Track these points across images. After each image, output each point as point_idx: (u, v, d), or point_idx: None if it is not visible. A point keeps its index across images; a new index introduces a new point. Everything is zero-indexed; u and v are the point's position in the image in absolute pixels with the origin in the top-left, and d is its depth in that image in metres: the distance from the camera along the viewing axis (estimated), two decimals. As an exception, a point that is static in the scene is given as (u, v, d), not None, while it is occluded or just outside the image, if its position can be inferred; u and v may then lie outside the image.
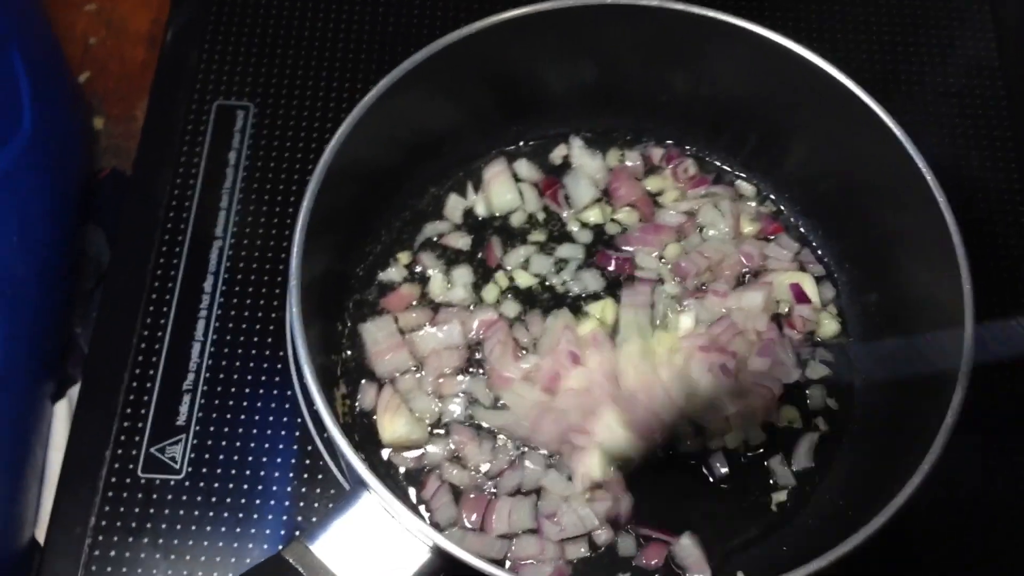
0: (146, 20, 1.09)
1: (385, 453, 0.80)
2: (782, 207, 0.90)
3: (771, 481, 0.80)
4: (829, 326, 0.85)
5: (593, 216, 0.89)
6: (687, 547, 0.77)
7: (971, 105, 0.97)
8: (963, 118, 0.96)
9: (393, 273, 0.86)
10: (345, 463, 0.66)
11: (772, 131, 0.86)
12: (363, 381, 0.82)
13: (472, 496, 0.78)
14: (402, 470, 0.79)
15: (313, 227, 0.71)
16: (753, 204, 0.90)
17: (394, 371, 0.81)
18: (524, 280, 0.86)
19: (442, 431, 0.80)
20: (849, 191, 0.84)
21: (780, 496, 0.80)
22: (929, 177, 0.74)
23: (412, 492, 0.78)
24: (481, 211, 0.89)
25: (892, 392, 0.80)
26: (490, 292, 0.85)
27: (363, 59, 0.98)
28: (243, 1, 1.00)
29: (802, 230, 0.89)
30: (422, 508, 0.78)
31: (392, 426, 0.79)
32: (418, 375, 0.82)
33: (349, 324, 0.84)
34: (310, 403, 0.83)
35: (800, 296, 0.85)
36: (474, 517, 0.77)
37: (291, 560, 0.63)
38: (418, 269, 0.86)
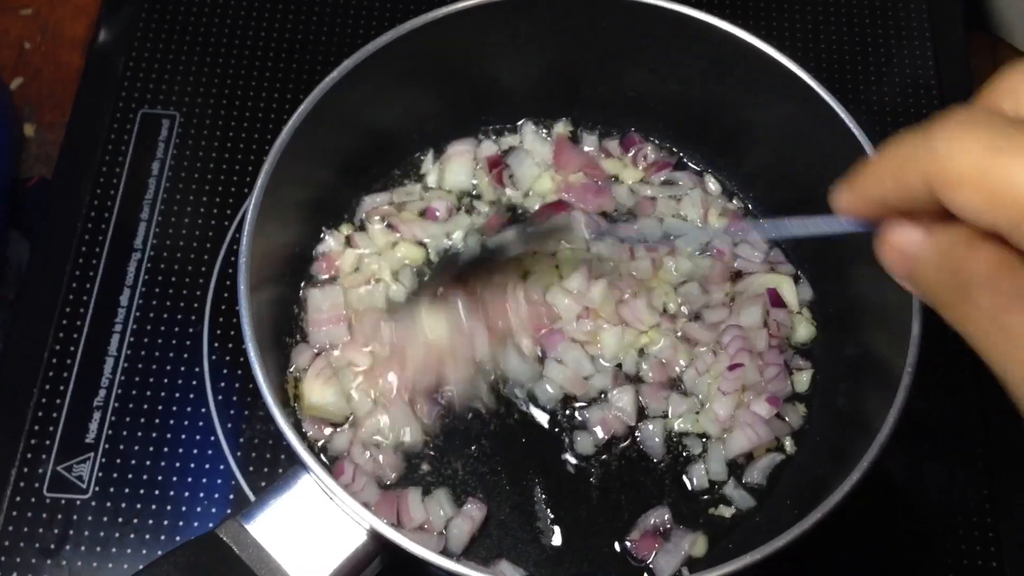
0: (83, 26, 1.07)
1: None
2: (749, 205, 0.90)
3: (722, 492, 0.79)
4: (805, 330, 0.84)
5: (541, 186, 0.88)
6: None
7: (906, 124, 0.96)
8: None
9: (330, 243, 0.85)
10: (285, 443, 0.66)
11: (735, 129, 0.86)
12: (301, 343, 0.81)
13: (383, 494, 0.76)
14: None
15: (266, 205, 0.71)
16: (720, 201, 0.89)
17: (328, 342, 0.80)
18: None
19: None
20: (808, 192, 0.81)
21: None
22: None
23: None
24: (432, 182, 0.88)
25: (846, 396, 0.79)
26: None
27: (294, 69, 0.96)
28: (172, 9, 0.98)
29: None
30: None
31: (322, 392, 0.78)
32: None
33: (305, 304, 0.83)
34: (224, 421, 0.82)
35: (776, 300, 0.84)
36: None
37: (225, 538, 0.62)
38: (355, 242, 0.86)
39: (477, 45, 0.81)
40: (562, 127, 0.91)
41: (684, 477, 0.79)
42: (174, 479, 0.80)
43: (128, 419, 0.81)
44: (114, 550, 0.77)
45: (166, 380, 0.83)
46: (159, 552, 0.77)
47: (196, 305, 0.86)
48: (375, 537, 0.63)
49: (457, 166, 0.88)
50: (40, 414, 0.81)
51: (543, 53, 0.84)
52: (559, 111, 0.91)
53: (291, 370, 0.80)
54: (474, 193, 0.89)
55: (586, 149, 0.90)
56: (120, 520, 0.78)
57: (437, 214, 0.86)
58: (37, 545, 0.77)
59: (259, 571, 0.61)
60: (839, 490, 0.63)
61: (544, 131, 0.91)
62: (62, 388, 0.82)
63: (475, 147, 0.90)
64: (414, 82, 0.82)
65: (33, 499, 0.78)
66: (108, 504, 0.78)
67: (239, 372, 0.84)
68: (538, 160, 0.89)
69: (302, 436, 0.76)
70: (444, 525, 0.76)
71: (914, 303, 0.68)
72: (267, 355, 0.69)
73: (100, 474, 0.79)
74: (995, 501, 0.82)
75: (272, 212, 0.72)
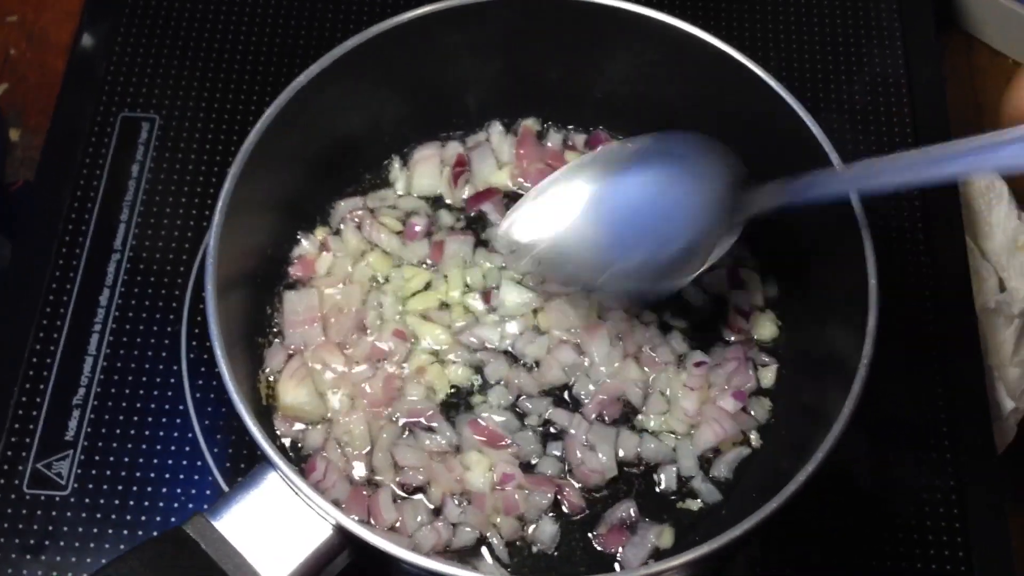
0: (68, 32, 1.09)
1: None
2: None
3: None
4: (767, 328, 0.85)
5: (496, 180, 0.89)
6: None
7: (875, 122, 0.97)
8: (867, 134, 0.97)
9: (306, 246, 0.86)
10: (252, 440, 0.67)
11: (702, 131, 0.84)
12: (276, 341, 0.82)
13: (354, 491, 0.77)
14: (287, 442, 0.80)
15: (235, 207, 0.72)
16: None
17: (303, 343, 0.82)
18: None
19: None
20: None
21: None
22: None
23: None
24: (400, 189, 0.89)
25: (810, 391, 0.80)
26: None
27: (272, 72, 0.98)
28: (152, 14, 1.00)
29: None
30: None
31: (296, 392, 0.79)
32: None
33: (279, 306, 0.84)
34: (202, 418, 0.84)
35: (734, 280, 0.84)
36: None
37: (191, 534, 0.63)
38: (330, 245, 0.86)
39: (442, 49, 0.82)
40: (531, 123, 0.92)
41: (654, 475, 0.80)
42: (152, 476, 0.81)
43: (107, 417, 0.83)
44: (93, 546, 0.78)
45: (145, 379, 0.84)
46: (138, 547, 0.79)
47: (175, 305, 0.87)
48: (341, 532, 0.64)
49: (423, 171, 0.89)
50: (20, 412, 0.82)
51: (510, 56, 0.85)
52: (527, 112, 0.92)
53: (265, 370, 0.81)
54: (443, 197, 0.90)
55: (549, 145, 0.91)
56: (99, 516, 0.79)
57: (416, 229, 0.87)
58: (17, 541, 0.78)
59: (224, 565, 0.62)
60: (795, 480, 0.64)
61: (512, 135, 0.91)
62: (42, 386, 0.83)
63: (441, 150, 0.90)
64: (381, 86, 0.83)
65: (13, 496, 0.79)
66: (87, 500, 0.80)
67: (217, 371, 0.85)
68: (501, 158, 0.90)
69: (272, 433, 0.77)
70: (417, 531, 0.76)
71: (870, 297, 0.69)
72: (238, 355, 0.70)
73: (80, 471, 0.81)
74: (963, 495, 0.83)
75: (242, 214, 0.73)
